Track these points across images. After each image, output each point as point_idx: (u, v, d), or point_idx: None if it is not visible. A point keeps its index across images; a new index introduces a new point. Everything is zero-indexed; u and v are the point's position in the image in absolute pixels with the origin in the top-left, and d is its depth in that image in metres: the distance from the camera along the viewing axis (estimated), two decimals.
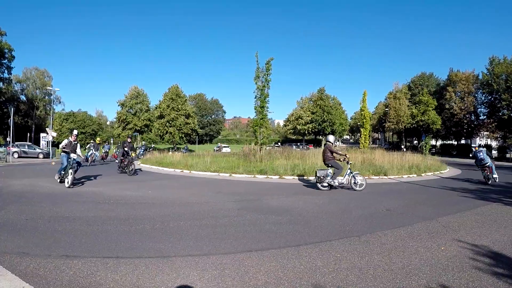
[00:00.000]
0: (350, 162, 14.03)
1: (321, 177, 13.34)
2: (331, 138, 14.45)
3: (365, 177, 14.69)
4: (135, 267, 4.73)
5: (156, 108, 78.89)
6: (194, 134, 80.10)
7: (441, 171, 23.00)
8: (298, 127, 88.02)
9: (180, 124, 74.05)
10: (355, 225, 7.64)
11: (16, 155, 35.35)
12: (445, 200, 11.27)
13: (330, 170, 13.43)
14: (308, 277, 4.51)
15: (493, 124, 61.17)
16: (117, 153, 27.01)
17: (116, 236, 6.30)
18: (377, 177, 18.57)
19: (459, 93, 66.06)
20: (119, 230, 6.81)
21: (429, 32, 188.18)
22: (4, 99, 66.43)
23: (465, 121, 65.60)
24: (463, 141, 71.74)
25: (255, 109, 25.77)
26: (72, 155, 13.56)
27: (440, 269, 4.83)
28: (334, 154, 13.62)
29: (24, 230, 6.57)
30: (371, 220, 8.25)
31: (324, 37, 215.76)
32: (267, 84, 25.06)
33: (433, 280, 4.42)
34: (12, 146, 35.46)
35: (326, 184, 13.35)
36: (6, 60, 64.80)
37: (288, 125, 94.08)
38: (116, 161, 24.63)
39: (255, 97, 25.53)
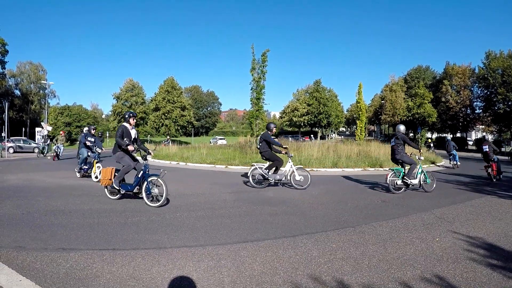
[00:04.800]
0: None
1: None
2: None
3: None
4: (131, 258, 4.73)
5: (151, 100, 78.88)
6: (190, 126, 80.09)
7: (436, 164, 23.09)
8: (294, 119, 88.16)
9: (176, 117, 74.05)
10: (350, 216, 7.68)
11: (11, 150, 35.05)
12: (440, 192, 11.28)
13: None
14: (304, 267, 4.54)
15: (489, 118, 61.38)
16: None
17: (112, 228, 6.31)
18: (373, 168, 18.67)
19: (455, 87, 66.22)
20: (115, 222, 6.82)
21: (425, 25, 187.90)
22: None
23: (461, 114, 65.84)
24: (458, 134, 71.97)
25: (251, 100, 25.70)
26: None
27: (435, 260, 4.85)
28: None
29: (20, 224, 6.55)
30: (367, 211, 8.30)
31: (320, 29, 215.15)
32: (263, 76, 24.99)
33: (427, 271, 4.45)
34: (7, 141, 35.24)
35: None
36: None
37: (284, 117, 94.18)
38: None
39: (251, 89, 25.47)
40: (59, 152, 25.04)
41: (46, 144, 30.24)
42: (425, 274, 4.33)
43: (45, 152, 29.60)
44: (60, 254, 4.84)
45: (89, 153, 14.16)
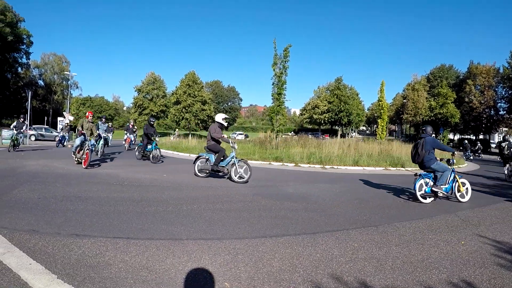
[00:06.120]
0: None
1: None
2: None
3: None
4: (145, 248, 4.63)
5: (172, 94, 79.45)
6: (210, 120, 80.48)
7: (459, 166, 22.65)
8: (315, 116, 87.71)
9: (196, 111, 74.31)
10: (372, 215, 7.48)
11: (33, 138, 35.83)
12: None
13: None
14: (325, 266, 4.35)
15: None
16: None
17: (128, 217, 6.23)
18: (395, 168, 18.38)
19: (479, 87, 64.99)
20: (131, 211, 6.75)
21: (449, 23, 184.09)
22: (22, 83, 68.04)
23: (484, 115, 64.57)
24: (481, 136, 70.66)
25: (272, 96, 25.51)
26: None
27: (461, 264, 4.64)
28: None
29: (36, 208, 6.54)
30: (389, 210, 8.11)
31: (342, 26, 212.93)
32: (285, 71, 24.77)
33: (454, 275, 4.24)
34: (30, 129, 35.89)
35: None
36: (24, 46, 66.89)
37: (304, 114, 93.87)
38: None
39: (273, 84, 25.29)
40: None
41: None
42: (452, 279, 4.12)
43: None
44: (73, 240, 4.78)
45: None
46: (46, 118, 61.70)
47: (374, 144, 26.51)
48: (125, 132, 27.51)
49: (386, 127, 45.98)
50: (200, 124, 78.45)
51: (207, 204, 7.76)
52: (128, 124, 29.24)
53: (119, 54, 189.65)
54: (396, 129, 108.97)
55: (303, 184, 11.64)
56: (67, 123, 29.66)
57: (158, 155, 16.60)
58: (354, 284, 3.87)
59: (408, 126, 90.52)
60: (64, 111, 56.58)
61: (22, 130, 20.95)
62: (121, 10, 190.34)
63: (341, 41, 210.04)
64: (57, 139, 30.43)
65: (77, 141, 13.50)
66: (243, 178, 11.32)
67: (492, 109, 65.10)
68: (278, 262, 4.40)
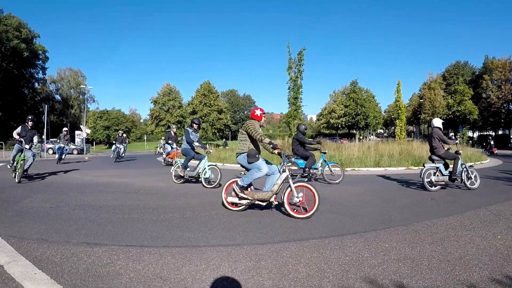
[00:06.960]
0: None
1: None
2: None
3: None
4: (160, 256, 4.35)
5: (188, 104, 79.86)
6: (227, 129, 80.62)
7: (481, 162, 22.19)
8: (331, 121, 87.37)
9: (213, 120, 74.48)
10: (400, 214, 7.11)
11: (50, 151, 36.37)
12: (491, 189, 10.71)
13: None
14: (356, 269, 4.00)
15: None
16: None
17: (143, 225, 5.99)
18: (417, 167, 17.90)
19: (495, 82, 63.92)
20: (146, 218, 6.51)
21: (461, 18, 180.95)
22: (39, 98, 69.41)
23: (503, 110, 63.37)
24: (500, 132, 69.36)
25: (288, 100, 25.42)
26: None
27: (501, 259, 4.31)
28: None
29: (47, 217, 6.39)
30: (417, 209, 7.74)
31: (355, 28, 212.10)
32: (300, 75, 24.65)
33: (496, 271, 3.91)
34: (47, 142, 36.39)
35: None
36: (40, 61, 68.12)
37: (321, 119, 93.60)
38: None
39: (288, 88, 25.21)
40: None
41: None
42: (494, 275, 3.80)
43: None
44: (83, 249, 4.57)
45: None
46: None
47: (394, 145, 26.08)
48: (169, 142, 20.08)
49: (404, 128, 45.34)
50: (217, 133, 78.65)
51: (226, 210, 7.48)
52: (169, 131, 21.83)
53: (134, 66, 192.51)
54: (414, 130, 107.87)
55: (325, 187, 11.28)
56: (66, 130, 23.25)
57: (342, 175, 12.46)
58: (391, 287, 3.55)
59: (426, 126, 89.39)
60: (81, 124, 57.35)
61: (34, 144, 12.14)
62: (134, 23, 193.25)
63: (354, 43, 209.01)
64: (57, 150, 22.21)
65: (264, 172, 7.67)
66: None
67: (510, 103, 63.88)
68: (305, 268, 4.07)
